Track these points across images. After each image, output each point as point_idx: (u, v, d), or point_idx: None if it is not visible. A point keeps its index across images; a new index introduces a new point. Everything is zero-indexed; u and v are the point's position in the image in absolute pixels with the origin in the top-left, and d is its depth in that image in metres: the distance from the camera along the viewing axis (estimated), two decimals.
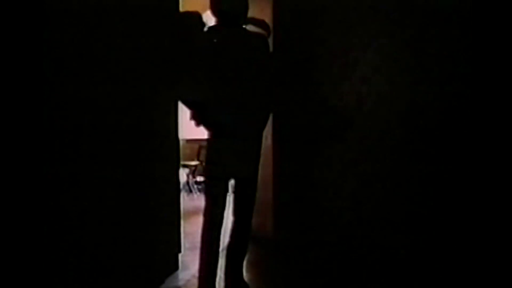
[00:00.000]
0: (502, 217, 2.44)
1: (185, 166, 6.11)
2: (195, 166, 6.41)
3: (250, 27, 2.33)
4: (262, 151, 2.30)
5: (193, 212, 4.65)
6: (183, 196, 5.40)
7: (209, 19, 2.21)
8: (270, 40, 2.38)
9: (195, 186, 6.39)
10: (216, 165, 2.15)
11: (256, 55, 2.19)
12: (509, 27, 2.39)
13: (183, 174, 6.01)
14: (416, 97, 2.81)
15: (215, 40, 2.10)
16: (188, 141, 6.44)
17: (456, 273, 2.56)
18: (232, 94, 2.10)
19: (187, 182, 6.30)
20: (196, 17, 2.18)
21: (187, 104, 2.20)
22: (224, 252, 2.34)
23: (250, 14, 2.29)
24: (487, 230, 2.51)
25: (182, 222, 3.08)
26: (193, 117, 2.19)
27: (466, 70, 2.60)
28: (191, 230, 3.68)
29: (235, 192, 2.30)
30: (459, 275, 2.54)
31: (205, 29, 2.18)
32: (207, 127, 2.18)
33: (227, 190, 2.21)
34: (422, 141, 2.79)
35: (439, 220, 2.71)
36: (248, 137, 2.18)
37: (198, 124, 2.18)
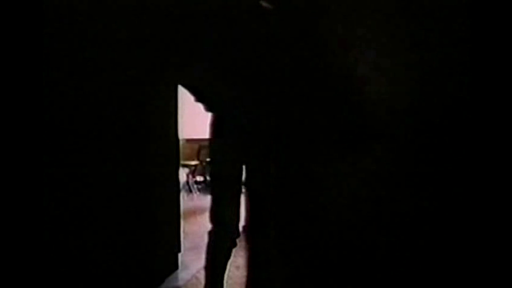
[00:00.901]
0: (504, 218, 2.44)
1: (185, 165, 6.11)
2: (195, 166, 6.41)
3: None
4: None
5: (193, 212, 4.65)
6: (183, 195, 5.40)
7: None
8: None
9: (195, 186, 6.39)
10: (218, 163, 2.01)
11: (270, 32, 1.91)
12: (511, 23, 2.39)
13: (183, 174, 6.01)
14: (417, 97, 2.81)
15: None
16: (188, 140, 6.43)
17: (458, 274, 2.56)
18: (240, 82, 1.87)
19: (187, 182, 6.30)
20: None
21: (191, 89, 1.99)
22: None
23: None
24: (489, 231, 2.51)
25: (182, 221, 3.07)
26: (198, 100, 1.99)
27: (468, 70, 2.60)
28: (191, 230, 3.68)
29: (247, 202, 2.10)
30: (461, 276, 2.54)
31: None
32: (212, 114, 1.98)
33: (237, 190, 2.02)
34: (423, 140, 2.78)
35: (440, 221, 2.71)
36: (255, 133, 1.98)
37: (207, 109, 1.98)
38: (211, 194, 2.03)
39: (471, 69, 2.60)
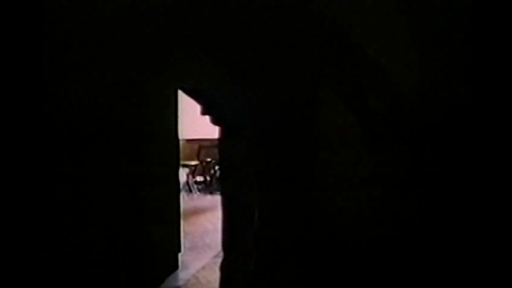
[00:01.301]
0: (504, 219, 2.44)
1: (185, 166, 6.12)
2: (195, 166, 6.42)
3: None
4: None
5: (193, 212, 4.65)
6: (183, 196, 5.40)
7: None
8: None
9: (195, 186, 6.40)
10: (226, 162, 1.89)
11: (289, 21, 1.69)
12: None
13: (183, 174, 6.02)
14: (417, 97, 2.81)
15: None
16: (188, 141, 6.44)
17: (459, 275, 2.56)
18: (248, 84, 1.72)
19: (187, 182, 6.30)
20: None
21: (190, 94, 1.88)
22: None
23: None
24: (490, 231, 2.51)
25: (182, 221, 3.08)
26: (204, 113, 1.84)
27: (469, 71, 2.60)
28: (191, 230, 3.68)
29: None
30: (462, 277, 2.54)
31: None
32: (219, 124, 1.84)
33: (246, 190, 1.88)
34: (424, 140, 2.78)
35: (441, 222, 2.71)
36: (267, 134, 1.82)
37: (213, 122, 1.83)
38: (222, 194, 1.90)
39: (473, 69, 2.60)
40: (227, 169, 1.94)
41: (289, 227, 2.39)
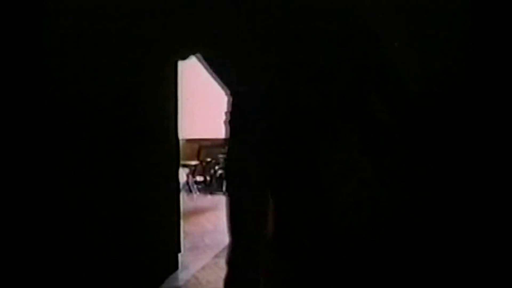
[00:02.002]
0: (505, 220, 2.43)
1: (185, 166, 6.11)
2: (195, 166, 6.42)
3: None
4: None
5: (193, 212, 4.64)
6: (183, 196, 5.40)
7: None
8: None
9: (195, 186, 6.39)
10: (234, 160, 1.80)
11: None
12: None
13: (183, 174, 6.02)
14: (417, 96, 2.80)
15: None
16: (188, 141, 6.44)
17: (459, 276, 2.55)
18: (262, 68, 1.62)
19: (187, 182, 6.30)
20: None
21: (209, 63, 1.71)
22: None
23: None
24: (491, 233, 2.49)
25: (182, 222, 3.07)
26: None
27: (471, 72, 2.59)
28: (191, 230, 3.67)
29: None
30: (461, 278, 2.53)
31: None
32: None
33: (260, 194, 1.80)
34: (425, 140, 2.78)
35: (442, 222, 2.70)
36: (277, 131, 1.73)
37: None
38: (227, 194, 1.80)
39: (475, 70, 2.59)
40: (234, 168, 1.81)
41: (306, 229, 2.26)
